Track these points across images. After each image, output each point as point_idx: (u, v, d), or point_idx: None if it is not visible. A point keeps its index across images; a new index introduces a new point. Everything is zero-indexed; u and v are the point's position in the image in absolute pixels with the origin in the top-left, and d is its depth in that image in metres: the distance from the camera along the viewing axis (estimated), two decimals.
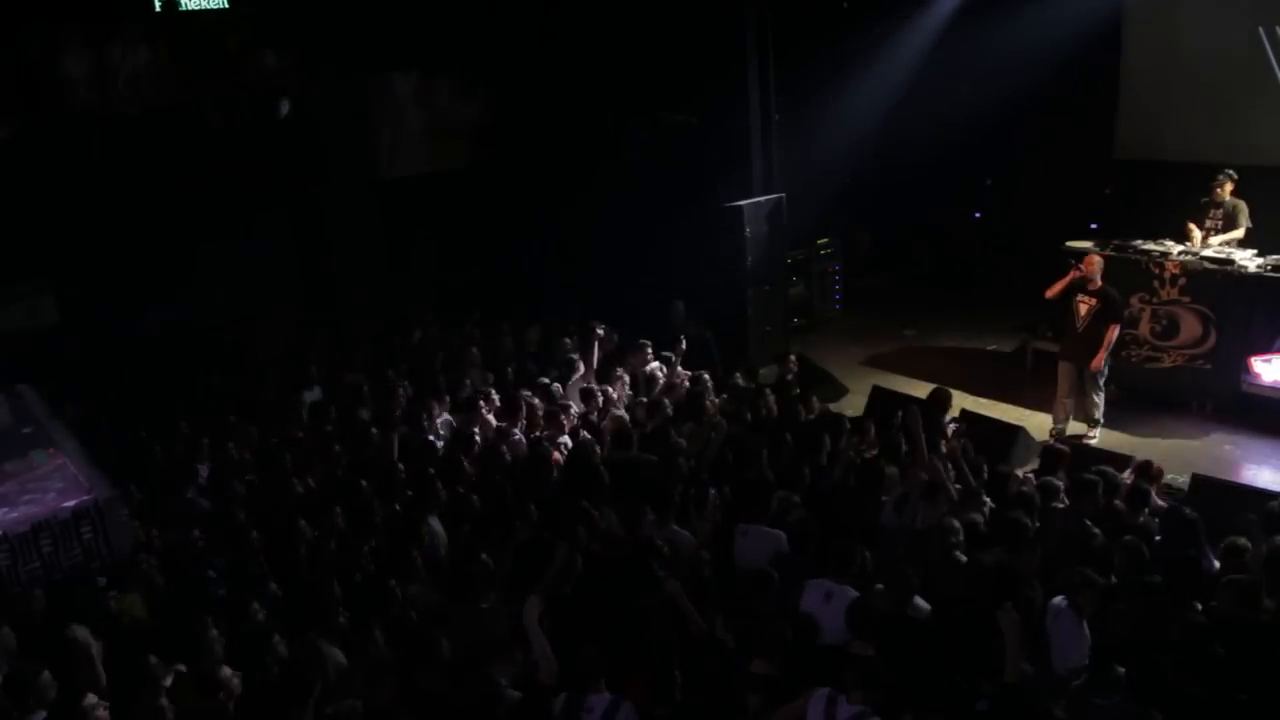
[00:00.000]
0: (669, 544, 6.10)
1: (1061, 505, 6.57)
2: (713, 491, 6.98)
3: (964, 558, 5.85)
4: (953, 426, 8.17)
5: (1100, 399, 9.28)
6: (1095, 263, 9.22)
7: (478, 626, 5.46)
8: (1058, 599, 5.26)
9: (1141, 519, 6.40)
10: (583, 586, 5.82)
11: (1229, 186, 9.91)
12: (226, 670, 4.99)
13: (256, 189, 11.05)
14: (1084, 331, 9.18)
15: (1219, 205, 9.96)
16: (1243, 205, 9.89)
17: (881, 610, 5.21)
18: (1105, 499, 6.54)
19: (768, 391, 8.98)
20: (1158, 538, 6.23)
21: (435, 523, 6.77)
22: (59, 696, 4.97)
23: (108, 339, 10.06)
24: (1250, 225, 9.86)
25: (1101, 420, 9.29)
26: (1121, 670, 4.68)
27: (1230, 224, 9.90)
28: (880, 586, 5.51)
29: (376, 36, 11.87)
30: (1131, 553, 5.71)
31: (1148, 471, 7.07)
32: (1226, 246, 9.73)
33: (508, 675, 4.96)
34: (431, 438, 8.38)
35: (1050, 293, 9.41)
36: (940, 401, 8.26)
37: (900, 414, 7.52)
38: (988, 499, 6.74)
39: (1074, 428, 9.41)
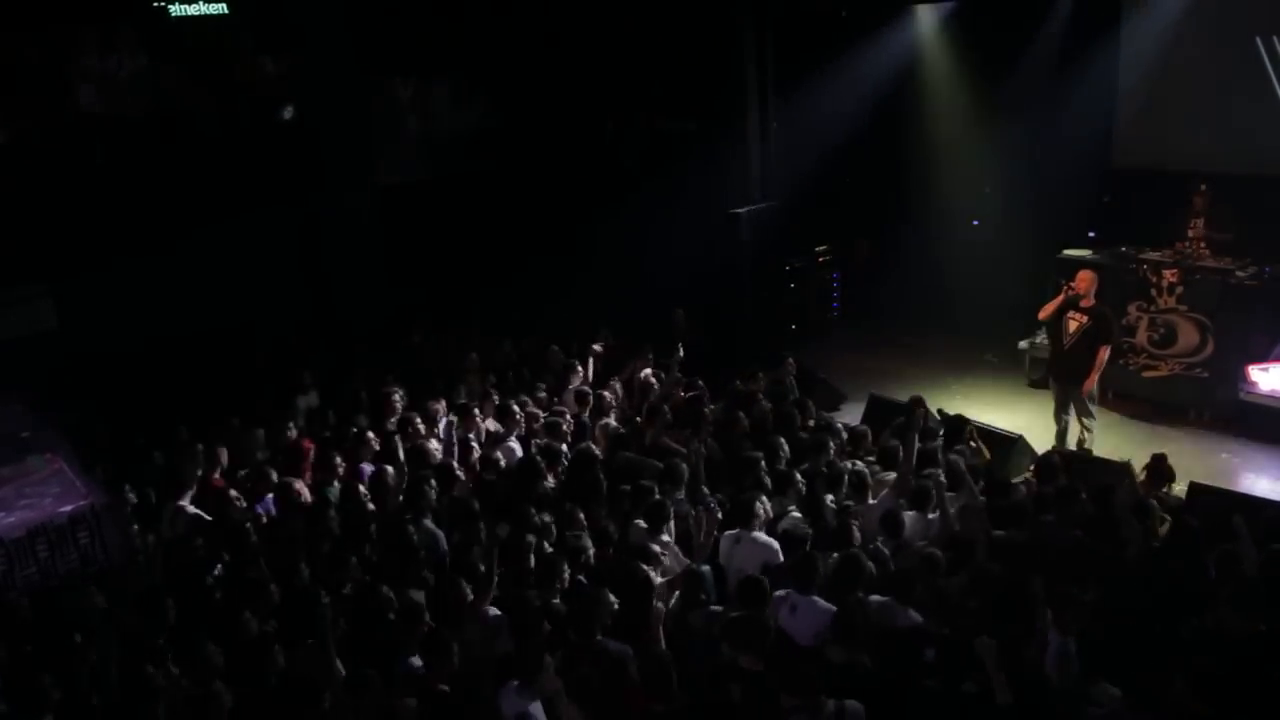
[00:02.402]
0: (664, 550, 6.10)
1: (1052, 518, 6.56)
2: (713, 500, 6.96)
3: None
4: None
5: (1091, 423, 8.96)
6: (1088, 279, 8.84)
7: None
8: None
9: (1140, 528, 6.39)
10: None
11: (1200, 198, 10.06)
12: (216, 685, 4.94)
13: (256, 194, 11.08)
14: (1070, 350, 8.87)
15: (1199, 215, 10.02)
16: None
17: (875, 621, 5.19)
18: (1100, 509, 6.52)
19: (765, 399, 8.97)
20: (1156, 544, 6.23)
21: (429, 524, 6.76)
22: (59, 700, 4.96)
23: (107, 344, 10.07)
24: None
25: (1091, 447, 8.86)
26: (1117, 692, 4.68)
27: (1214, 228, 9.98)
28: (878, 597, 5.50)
29: (375, 42, 11.89)
30: (1120, 564, 5.70)
31: (1160, 470, 7.06)
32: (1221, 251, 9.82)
33: None
34: (433, 441, 8.36)
35: (1044, 314, 9.16)
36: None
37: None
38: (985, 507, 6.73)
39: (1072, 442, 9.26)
